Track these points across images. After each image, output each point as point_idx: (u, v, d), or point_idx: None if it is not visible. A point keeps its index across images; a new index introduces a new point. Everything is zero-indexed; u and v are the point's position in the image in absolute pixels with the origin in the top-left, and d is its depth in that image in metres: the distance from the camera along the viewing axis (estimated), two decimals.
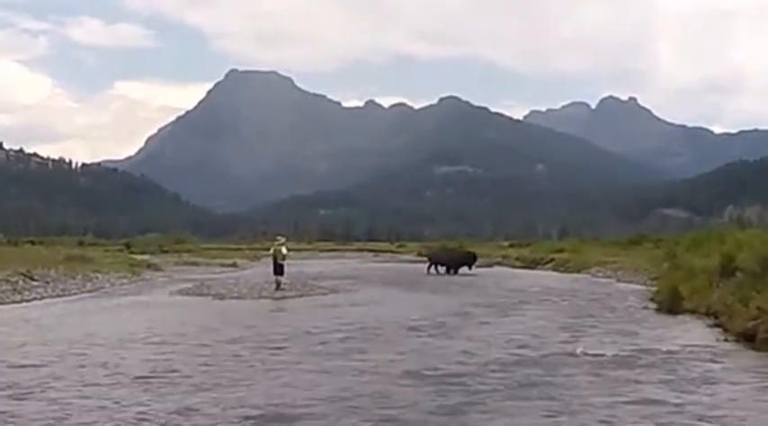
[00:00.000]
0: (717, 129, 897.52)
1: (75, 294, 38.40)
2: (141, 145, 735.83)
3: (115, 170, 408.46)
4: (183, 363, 16.75)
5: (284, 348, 19.18)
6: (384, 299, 35.82)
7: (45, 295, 36.64)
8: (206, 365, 16.57)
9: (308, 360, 17.26)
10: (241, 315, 28.07)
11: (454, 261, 59.45)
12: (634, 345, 19.49)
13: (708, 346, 19.14)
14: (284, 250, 41.14)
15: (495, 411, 12.25)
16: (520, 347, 19.18)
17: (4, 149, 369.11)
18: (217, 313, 29.30)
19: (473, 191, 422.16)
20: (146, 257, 70.98)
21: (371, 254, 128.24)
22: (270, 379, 14.93)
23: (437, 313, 28.15)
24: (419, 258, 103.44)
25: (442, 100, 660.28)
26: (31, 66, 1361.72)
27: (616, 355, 17.86)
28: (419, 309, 29.63)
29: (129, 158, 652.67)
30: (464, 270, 58.65)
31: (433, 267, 59.96)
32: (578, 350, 18.14)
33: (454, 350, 18.78)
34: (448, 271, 57.81)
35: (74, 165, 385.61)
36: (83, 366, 16.34)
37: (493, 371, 15.80)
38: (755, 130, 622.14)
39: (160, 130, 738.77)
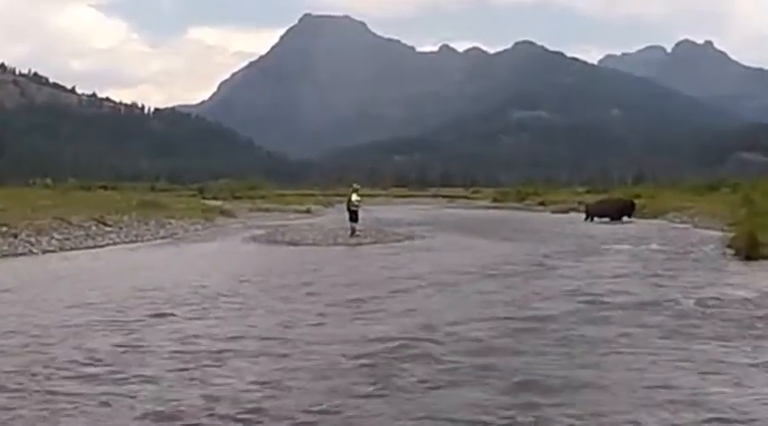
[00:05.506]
0: None
1: (149, 240, 38.49)
2: (214, 90, 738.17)
3: (188, 115, 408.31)
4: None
5: (358, 297, 18.52)
6: (460, 246, 35.24)
7: (118, 240, 36.73)
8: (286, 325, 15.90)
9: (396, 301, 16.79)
10: (315, 262, 27.57)
11: (616, 210, 58.49)
12: (710, 291, 18.83)
13: None
14: (354, 197, 40.78)
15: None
16: (594, 294, 18.52)
17: (76, 94, 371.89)
18: (291, 260, 28.85)
19: (549, 137, 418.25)
20: (219, 203, 71.02)
21: (446, 200, 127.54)
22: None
23: (515, 259, 27.42)
24: (494, 204, 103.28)
25: (516, 44, 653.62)
26: (106, 12, 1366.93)
27: (692, 301, 17.25)
28: (496, 256, 28.85)
29: (203, 103, 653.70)
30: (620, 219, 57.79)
31: (590, 218, 58.97)
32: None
33: (533, 297, 18.19)
34: (611, 220, 56.66)
35: (147, 110, 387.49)
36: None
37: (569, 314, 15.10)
38: None
39: (233, 75, 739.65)
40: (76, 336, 13.53)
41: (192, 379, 10.60)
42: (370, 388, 10.13)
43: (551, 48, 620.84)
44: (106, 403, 9.44)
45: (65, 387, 10.18)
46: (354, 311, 16.45)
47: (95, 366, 11.34)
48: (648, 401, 9.52)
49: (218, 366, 11.38)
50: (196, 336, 13.55)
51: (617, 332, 13.82)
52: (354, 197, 40.88)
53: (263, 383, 10.39)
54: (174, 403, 9.46)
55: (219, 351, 12.32)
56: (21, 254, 29.74)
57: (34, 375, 10.79)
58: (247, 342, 13.08)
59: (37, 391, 9.99)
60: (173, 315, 15.89)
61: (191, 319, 15.43)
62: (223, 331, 14.15)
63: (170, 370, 11.05)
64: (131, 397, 9.68)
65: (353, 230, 39.38)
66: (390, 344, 12.69)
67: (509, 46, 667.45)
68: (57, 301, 17.71)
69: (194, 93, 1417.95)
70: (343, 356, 11.93)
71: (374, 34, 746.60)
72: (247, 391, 10.01)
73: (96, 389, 10.10)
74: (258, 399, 9.63)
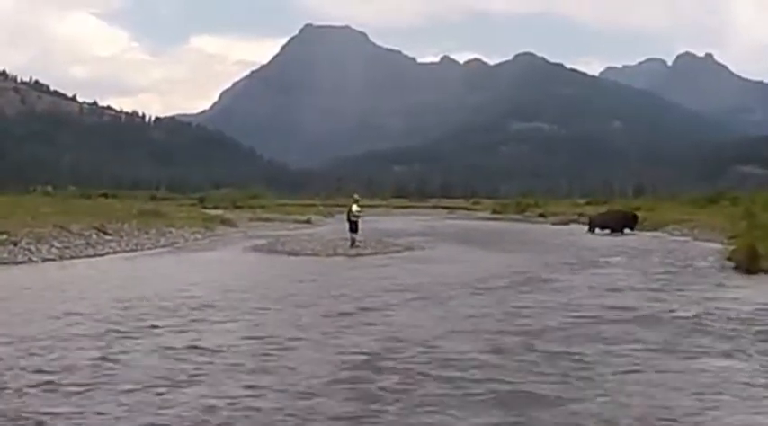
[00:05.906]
0: None
1: (149, 249, 38.35)
2: (216, 99, 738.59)
3: (189, 124, 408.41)
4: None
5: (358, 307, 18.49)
6: (459, 258, 35.23)
7: (119, 249, 36.60)
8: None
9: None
10: (314, 273, 27.64)
11: (618, 223, 58.46)
12: (710, 305, 18.80)
13: None
14: (355, 207, 40.76)
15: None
16: (592, 308, 18.44)
17: (77, 102, 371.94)
18: (290, 270, 28.85)
19: (549, 148, 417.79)
20: (219, 212, 70.91)
21: (446, 211, 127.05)
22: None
23: (514, 272, 27.34)
24: (494, 215, 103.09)
25: (517, 56, 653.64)
26: (107, 20, 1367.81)
27: (692, 316, 17.28)
28: (495, 269, 28.78)
29: (204, 112, 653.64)
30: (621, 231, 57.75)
31: (593, 230, 58.90)
32: None
33: (532, 310, 18.21)
34: (612, 232, 56.63)
35: (147, 119, 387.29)
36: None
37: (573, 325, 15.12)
38: None
39: (234, 85, 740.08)
40: (57, 348, 13.41)
41: (163, 395, 10.44)
42: (351, 408, 9.93)
43: (552, 59, 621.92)
44: (69, 420, 9.34)
45: (30, 401, 10.07)
46: (344, 325, 16.31)
47: (67, 379, 11.21)
48: (645, 422, 9.44)
49: (193, 383, 11.17)
50: (177, 350, 13.37)
51: (614, 348, 13.71)
52: (355, 207, 40.81)
53: (236, 401, 10.18)
54: (142, 421, 9.32)
55: (197, 366, 12.15)
56: (20, 262, 29.66)
57: (2, 388, 10.68)
58: (228, 357, 12.91)
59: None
60: (158, 327, 15.73)
61: (175, 332, 15.26)
62: (206, 344, 13.91)
63: (143, 385, 10.88)
64: (97, 414, 9.55)
65: (353, 241, 39.27)
66: (378, 362, 12.51)
67: (509, 57, 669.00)
68: (47, 311, 17.61)
69: (195, 101, 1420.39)
70: (326, 374, 11.69)
71: (375, 44, 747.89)
72: (219, 409, 9.82)
73: (62, 403, 10.02)
74: (228, 419, 9.46)
